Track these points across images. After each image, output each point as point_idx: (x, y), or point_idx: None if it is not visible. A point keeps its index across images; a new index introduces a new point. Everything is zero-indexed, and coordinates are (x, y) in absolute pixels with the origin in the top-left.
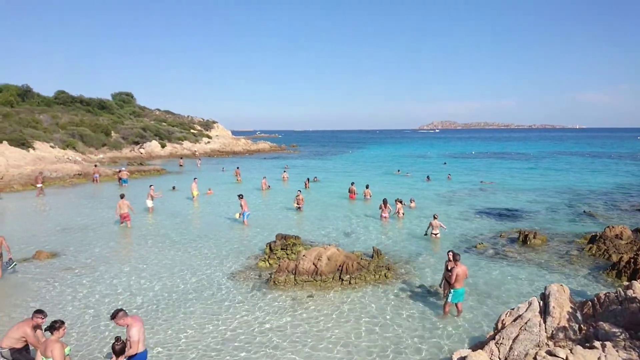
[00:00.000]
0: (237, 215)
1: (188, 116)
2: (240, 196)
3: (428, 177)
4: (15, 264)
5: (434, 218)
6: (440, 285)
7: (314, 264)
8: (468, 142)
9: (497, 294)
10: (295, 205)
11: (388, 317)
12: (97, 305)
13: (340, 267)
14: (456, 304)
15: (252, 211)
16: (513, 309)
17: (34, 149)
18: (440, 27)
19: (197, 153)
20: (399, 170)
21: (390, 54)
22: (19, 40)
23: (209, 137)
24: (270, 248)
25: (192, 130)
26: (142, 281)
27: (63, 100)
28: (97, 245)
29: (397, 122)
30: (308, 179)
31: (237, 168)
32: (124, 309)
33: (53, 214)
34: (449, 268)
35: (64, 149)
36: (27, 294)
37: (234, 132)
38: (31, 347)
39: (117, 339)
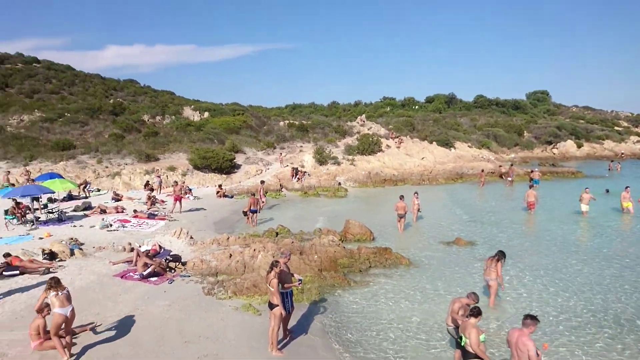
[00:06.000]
0: None
1: (612, 111)
2: None
3: None
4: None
5: None
6: None
7: None
8: None
9: None
10: None
11: None
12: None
13: None
14: None
15: None
16: None
17: (454, 148)
18: None
19: (623, 155)
20: None
21: None
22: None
23: None
24: None
25: (615, 128)
26: (539, 287)
27: (481, 103)
28: (504, 242)
29: None
30: None
31: None
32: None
33: (468, 205)
34: None
35: (479, 148)
36: (440, 273)
37: None
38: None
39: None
